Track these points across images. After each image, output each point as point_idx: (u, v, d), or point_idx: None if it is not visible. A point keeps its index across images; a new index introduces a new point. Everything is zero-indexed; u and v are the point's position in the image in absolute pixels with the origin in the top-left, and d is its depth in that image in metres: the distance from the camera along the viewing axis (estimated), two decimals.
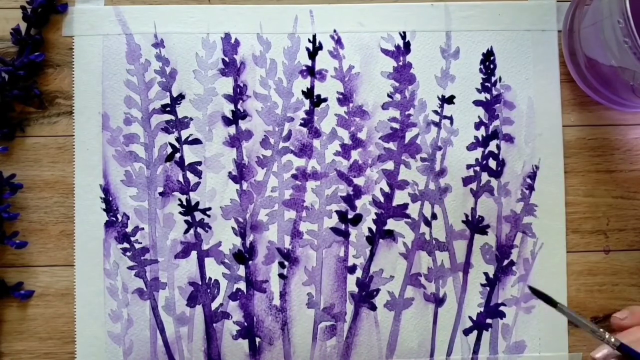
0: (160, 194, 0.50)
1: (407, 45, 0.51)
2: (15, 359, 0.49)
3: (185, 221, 0.50)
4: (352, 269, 0.50)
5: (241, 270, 0.50)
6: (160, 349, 0.49)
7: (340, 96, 0.51)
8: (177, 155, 0.50)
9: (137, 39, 0.51)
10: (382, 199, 0.51)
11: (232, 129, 0.51)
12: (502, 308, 0.51)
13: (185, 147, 0.51)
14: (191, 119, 0.51)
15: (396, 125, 0.51)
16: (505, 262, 0.51)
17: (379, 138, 0.51)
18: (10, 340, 0.49)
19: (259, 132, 0.51)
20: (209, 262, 0.50)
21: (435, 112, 0.51)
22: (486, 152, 0.51)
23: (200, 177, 0.50)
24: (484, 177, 0.51)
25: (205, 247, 0.50)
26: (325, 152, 0.51)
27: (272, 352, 0.50)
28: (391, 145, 0.51)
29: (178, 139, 0.51)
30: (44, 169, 0.50)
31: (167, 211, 0.50)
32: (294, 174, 0.50)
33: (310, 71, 0.51)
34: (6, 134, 0.49)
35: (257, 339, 0.50)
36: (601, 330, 0.40)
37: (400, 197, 0.51)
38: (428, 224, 0.51)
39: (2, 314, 0.49)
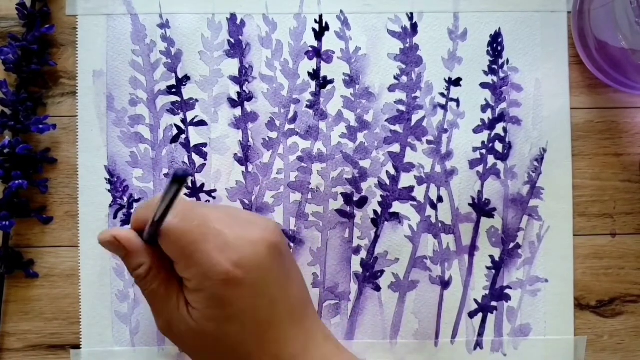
0: (165, 175, 0.50)
1: (414, 26, 0.51)
2: (21, 339, 0.50)
3: None
4: (356, 250, 0.50)
5: None
6: None
7: (347, 78, 0.51)
8: (183, 136, 0.50)
9: (142, 19, 0.50)
10: (387, 182, 0.50)
11: (237, 111, 0.50)
12: (507, 291, 0.50)
13: (191, 128, 0.50)
14: (197, 100, 0.50)
15: (402, 108, 0.51)
16: (511, 245, 0.51)
17: (385, 120, 0.51)
18: (16, 321, 0.50)
19: (265, 114, 0.50)
20: None
21: (442, 94, 0.51)
22: (492, 134, 0.51)
23: (205, 159, 0.50)
24: (491, 159, 0.51)
25: None
26: (331, 135, 0.50)
27: None
28: (397, 128, 0.51)
29: (183, 121, 0.50)
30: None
31: None
32: (299, 156, 0.50)
33: (317, 52, 0.50)
34: (30, 107, 0.49)
35: None
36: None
37: (406, 180, 0.50)
38: (434, 206, 0.50)
39: (7, 294, 0.49)
